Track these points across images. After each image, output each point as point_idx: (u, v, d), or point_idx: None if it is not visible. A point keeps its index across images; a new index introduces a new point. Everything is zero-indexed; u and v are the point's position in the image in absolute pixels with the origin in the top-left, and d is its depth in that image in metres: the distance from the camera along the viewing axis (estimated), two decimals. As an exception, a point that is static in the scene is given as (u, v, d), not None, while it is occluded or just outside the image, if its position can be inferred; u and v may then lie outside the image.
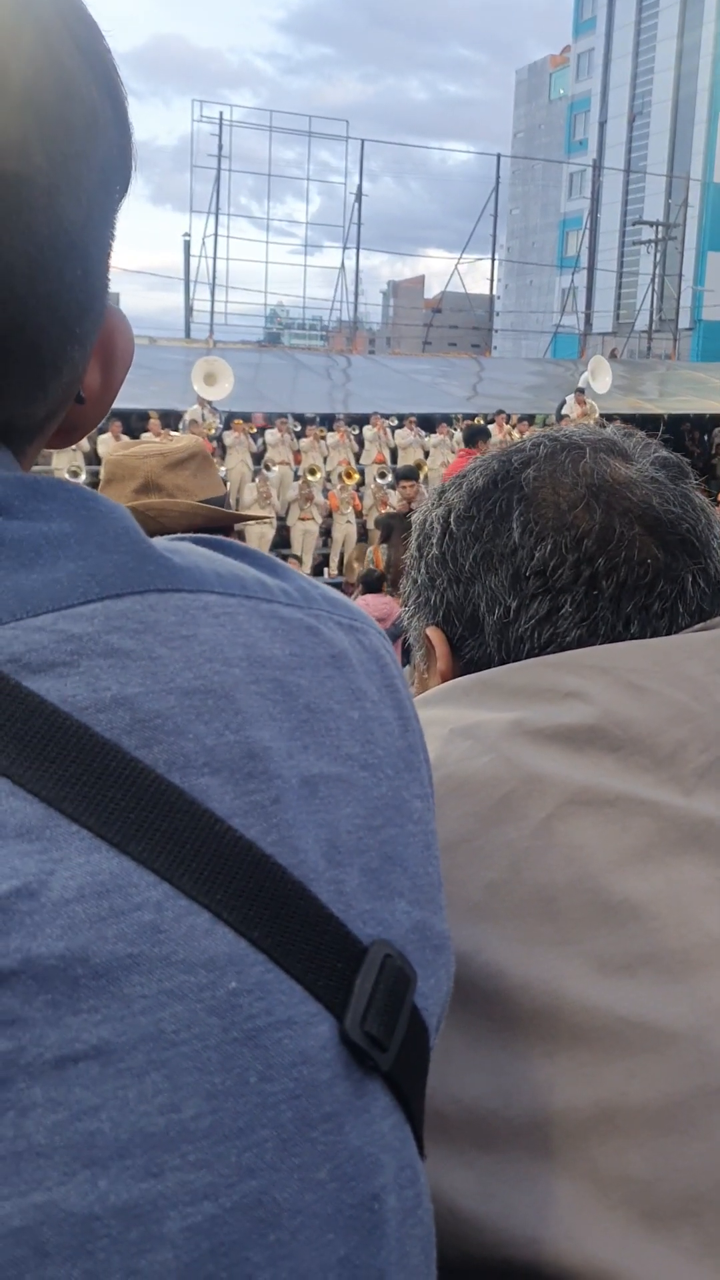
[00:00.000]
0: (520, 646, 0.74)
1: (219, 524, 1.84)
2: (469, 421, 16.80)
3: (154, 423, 14.94)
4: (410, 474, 10.40)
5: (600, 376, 17.95)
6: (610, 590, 0.72)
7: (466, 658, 0.77)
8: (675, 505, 0.73)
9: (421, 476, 14.95)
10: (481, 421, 15.06)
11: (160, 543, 0.46)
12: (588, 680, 0.67)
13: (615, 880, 0.61)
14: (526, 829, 0.63)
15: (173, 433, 13.60)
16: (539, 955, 0.60)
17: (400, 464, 15.81)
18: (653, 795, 0.63)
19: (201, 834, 0.39)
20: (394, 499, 11.79)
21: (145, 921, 0.37)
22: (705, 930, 0.60)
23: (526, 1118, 0.57)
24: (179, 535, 0.49)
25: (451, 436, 15.61)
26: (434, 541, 0.79)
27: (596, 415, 17.25)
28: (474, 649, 0.76)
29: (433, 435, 16.34)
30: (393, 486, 10.44)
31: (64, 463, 13.58)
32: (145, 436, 14.47)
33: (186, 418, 15.10)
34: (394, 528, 8.94)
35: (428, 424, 17.06)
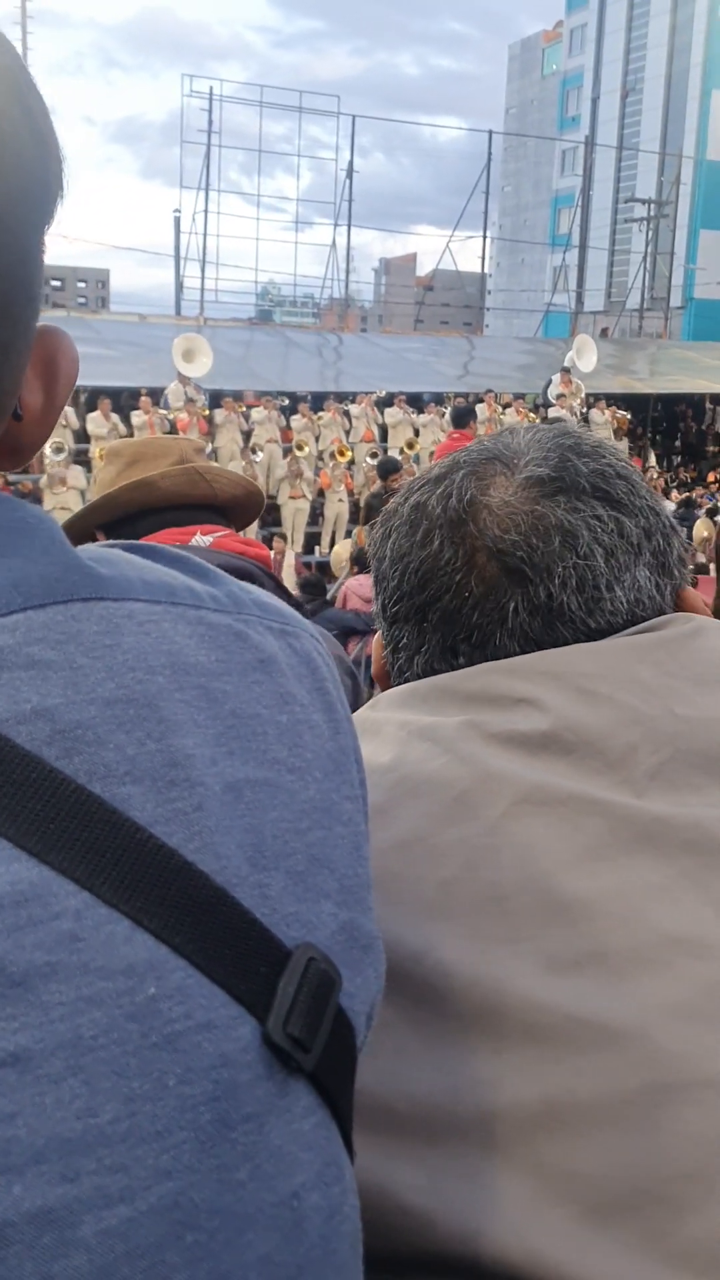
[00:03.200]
0: (392, 669, 0.78)
1: (255, 500, 1.89)
2: (460, 399, 16.77)
3: (144, 400, 14.87)
4: (392, 468, 10.34)
5: (585, 355, 17.89)
6: (435, 620, 0.73)
7: (386, 666, 0.81)
8: (515, 532, 0.71)
9: (413, 455, 14.93)
10: (467, 401, 15.04)
11: (88, 551, 0.46)
12: (539, 686, 0.68)
13: (566, 879, 0.62)
14: (480, 827, 0.64)
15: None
16: (490, 953, 0.60)
17: (390, 441, 15.79)
18: (605, 796, 0.64)
19: (121, 843, 0.39)
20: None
21: (64, 930, 0.37)
22: (654, 928, 0.60)
23: (474, 1113, 0.58)
24: (110, 543, 0.50)
25: (442, 416, 15.57)
26: (368, 556, 0.83)
27: (582, 395, 17.22)
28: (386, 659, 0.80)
29: (422, 415, 16.29)
30: (382, 477, 10.41)
31: (53, 436, 13.50)
32: (134, 414, 14.47)
33: (169, 399, 14.98)
34: (375, 508, 8.93)
35: (417, 403, 17.02)
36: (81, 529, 1.78)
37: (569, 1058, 0.58)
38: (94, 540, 1.81)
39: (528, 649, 0.71)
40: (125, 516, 1.75)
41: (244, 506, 1.86)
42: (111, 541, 0.50)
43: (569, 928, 0.60)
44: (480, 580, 0.72)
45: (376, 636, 0.82)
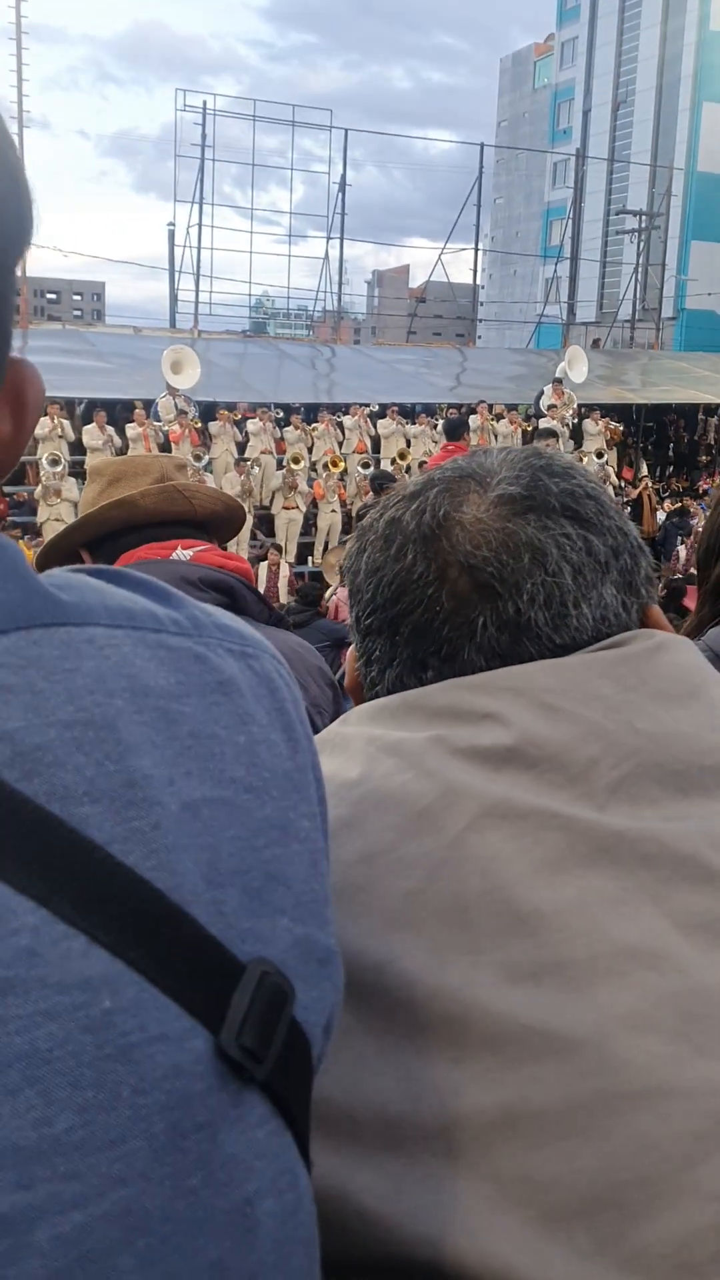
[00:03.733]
0: (365, 681, 0.79)
1: (234, 514, 1.93)
2: (453, 410, 16.80)
3: (138, 413, 14.90)
4: (385, 480, 10.37)
5: (576, 366, 17.95)
6: (406, 634, 0.75)
7: (359, 677, 0.82)
8: (486, 548, 0.73)
9: (404, 466, 14.95)
10: (458, 413, 15.08)
11: (50, 577, 0.47)
12: (503, 701, 0.69)
13: (526, 891, 0.63)
14: (443, 840, 0.65)
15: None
16: (451, 963, 0.62)
17: (383, 452, 15.81)
18: (566, 809, 0.65)
19: (80, 861, 0.41)
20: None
21: (22, 946, 0.38)
22: (611, 940, 0.62)
23: (434, 1121, 0.59)
24: (77, 567, 0.51)
25: (434, 427, 15.60)
26: (343, 569, 0.84)
27: (574, 406, 17.26)
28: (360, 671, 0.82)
29: (413, 425, 16.32)
30: (375, 490, 10.42)
31: (45, 451, 13.51)
32: (129, 426, 14.49)
33: (159, 411, 15.01)
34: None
35: (410, 414, 17.05)
36: (66, 547, 1.81)
37: (526, 1066, 0.59)
38: (79, 558, 1.84)
39: (494, 664, 0.72)
40: (108, 534, 1.78)
41: (224, 521, 1.89)
42: (78, 566, 0.51)
43: (528, 939, 0.62)
44: (452, 595, 0.73)
45: (350, 649, 0.83)
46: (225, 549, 1.90)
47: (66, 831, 0.41)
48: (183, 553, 1.75)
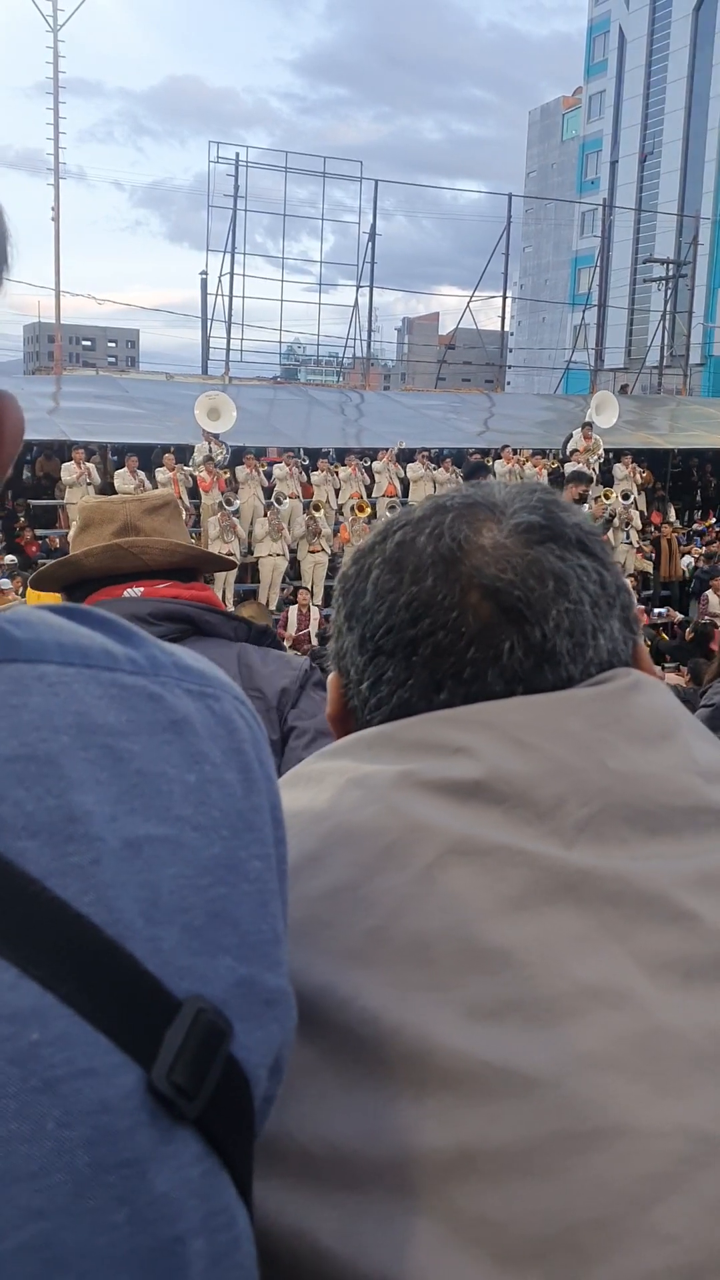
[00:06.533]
0: (365, 705, 0.77)
1: (196, 562, 1.93)
2: (476, 455, 16.88)
3: (168, 457, 15.11)
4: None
5: (605, 411, 18.02)
6: (425, 654, 0.73)
7: (349, 705, 0.80)
8: (512, 572, 0.73)
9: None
10: (479, 458, 15.14)
11: (6, 615, 0.48)
12: (474, 735, 0.69)
13: (489, 928, 0.62)
14: (407, 877, 0.65)
15: (147, 484, 13.84)
16: (412, 1001, 0.61)
17: (412, 497, 15.91)
18: (531, 847, 0.65)
19: (14, 894, 0.41)
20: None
21: None
22: (573, 979, 0.61)
23: (390, 1158, 0.58)
24: (42, 605, 0.52)
25: (456, 475, 15.68)
26: (336, 592, 0.83)
27: (600, 451, 17.31)
28: (351, 698, 0.79)
29: (440, 470, 16.42)
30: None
31: (76, 496, 13.71)
32: (159, 471, 14.70)
33: (197, 457, 15.27)
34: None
35: (437, 459, 17.17)
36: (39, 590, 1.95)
37: (485, 1105, 0.58)
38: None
39: (513, 689, 0.72)
40: (64, 586, 1.89)
41: (202, 568, 1.91)
42: (44, 604, 0.52)
43: (490, 976, 0.61)
44: (476, 618, 0.72)
45: (331, 676, 0.82)
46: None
47: (3, 865, 0.41)
48: (133, 591, 1.79)
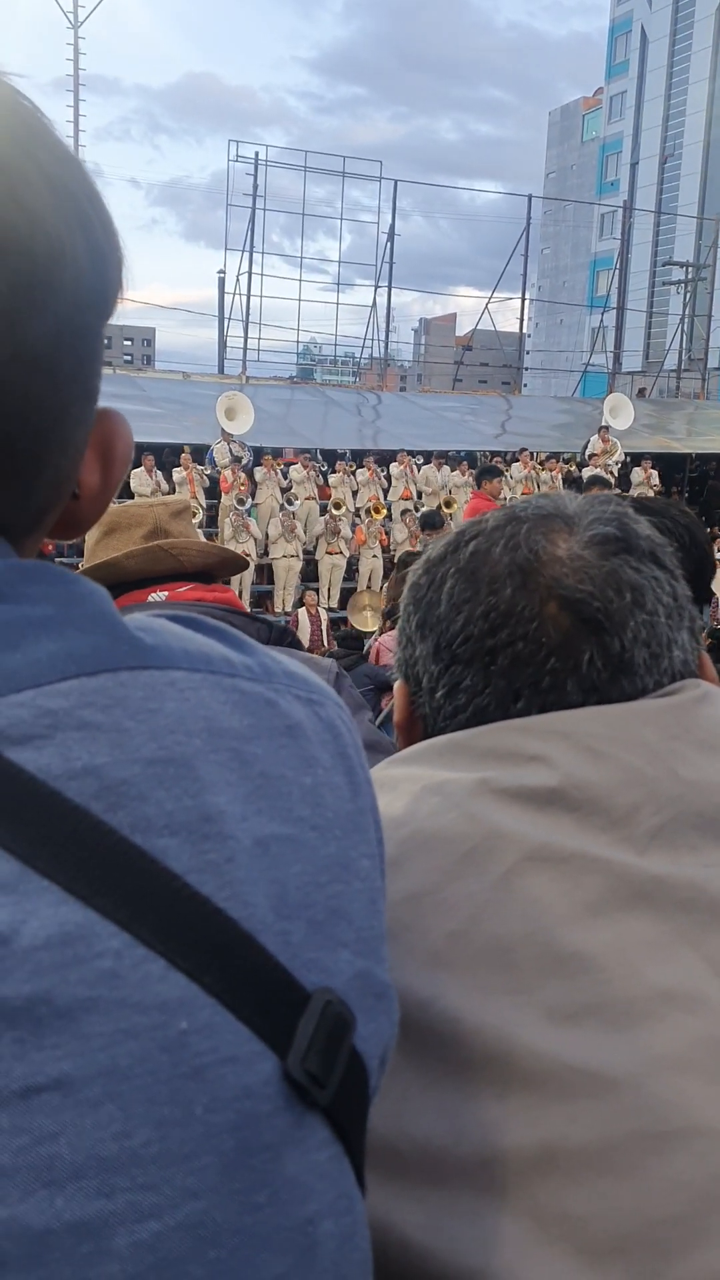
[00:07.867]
0: (438, 713, 0.79)
1: (225, 563, 1.93)
2: (496, 457, 16.88)
3: (184, 457, 15.13)
4: (432, 522, 10.42)
5: (620, 414, 17.99)
6: (504, 664, 0.75)
7: (418, 713, 0.82)
8: (590, 584, 0.74)
9: (450, 514, 15.05)
10: (491, 459, 15.12)
11: (135, 621, 0.50)
12: (550, 745, 0.71)
13: (567, 933, 0.65)
14: (487, 882, 0.67)
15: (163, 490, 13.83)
16: (493, 1003, 0.63)
17: (427, 501, 15.92)
18: (606, 854, 0.67)
19: (160, 889, 0.43)
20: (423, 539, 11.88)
21: (105, 968, 0.41)
22: (649, 983, 0.63)
23: (475, 1156, 0.60)
24: (157, 613, 0.54)
25: (467, 475, 15.69)
26: (405, 602, 0.84)
27: (618, 454, 17.28)
28: (420, 706, 0.81)
29: (454, 473, 16.42)
30: (424, 529, 10.47)
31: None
32: (175, 470, 14.72)
33: (215, 456, 15.25)
34: (406, 565, 9.00)
35: (453, 462, 17.15)
36: None
37: (566, 1105, 0.60)
38: None
39: (589, 699, 0.73)
40: None
41: (219, 571, 1.90)
42: (158, 612, 0.54)
43: (568, 981, 0.63)
44: (556, 628, 0.74)
45: (398, 684, 0.83)
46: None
47: (148, 861, 0.44)
48: (157, 595, 1.77)
